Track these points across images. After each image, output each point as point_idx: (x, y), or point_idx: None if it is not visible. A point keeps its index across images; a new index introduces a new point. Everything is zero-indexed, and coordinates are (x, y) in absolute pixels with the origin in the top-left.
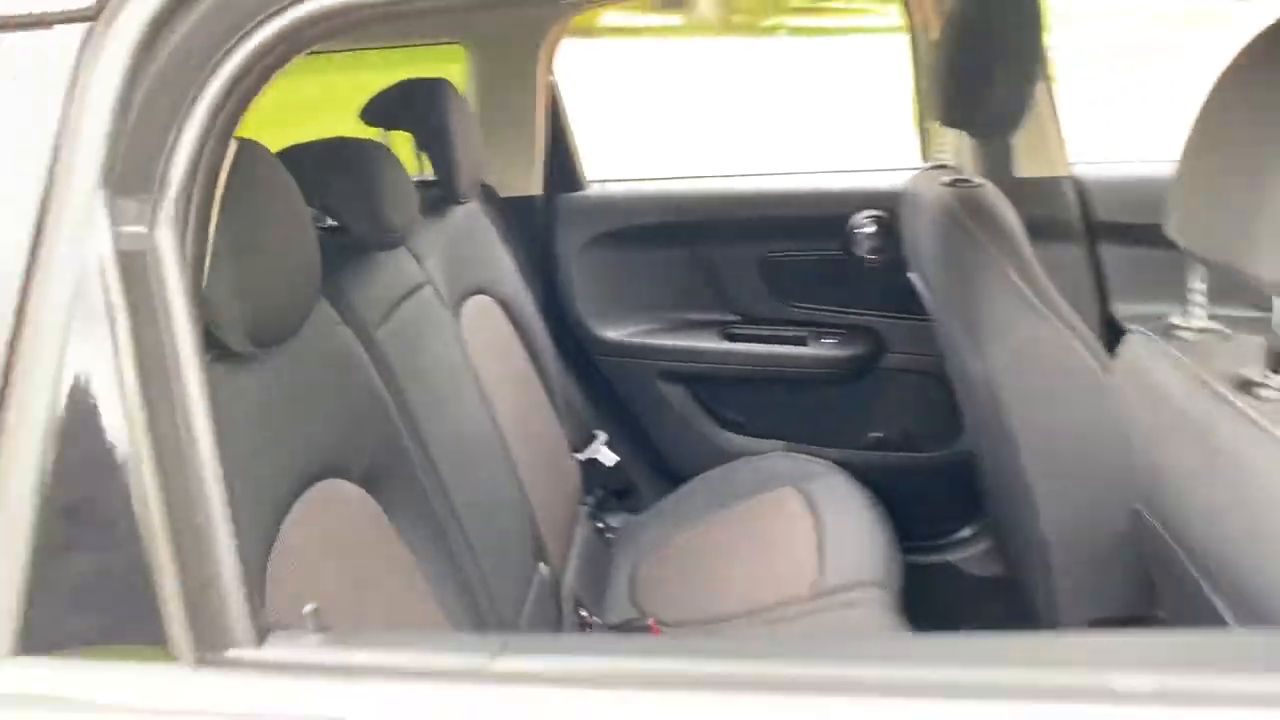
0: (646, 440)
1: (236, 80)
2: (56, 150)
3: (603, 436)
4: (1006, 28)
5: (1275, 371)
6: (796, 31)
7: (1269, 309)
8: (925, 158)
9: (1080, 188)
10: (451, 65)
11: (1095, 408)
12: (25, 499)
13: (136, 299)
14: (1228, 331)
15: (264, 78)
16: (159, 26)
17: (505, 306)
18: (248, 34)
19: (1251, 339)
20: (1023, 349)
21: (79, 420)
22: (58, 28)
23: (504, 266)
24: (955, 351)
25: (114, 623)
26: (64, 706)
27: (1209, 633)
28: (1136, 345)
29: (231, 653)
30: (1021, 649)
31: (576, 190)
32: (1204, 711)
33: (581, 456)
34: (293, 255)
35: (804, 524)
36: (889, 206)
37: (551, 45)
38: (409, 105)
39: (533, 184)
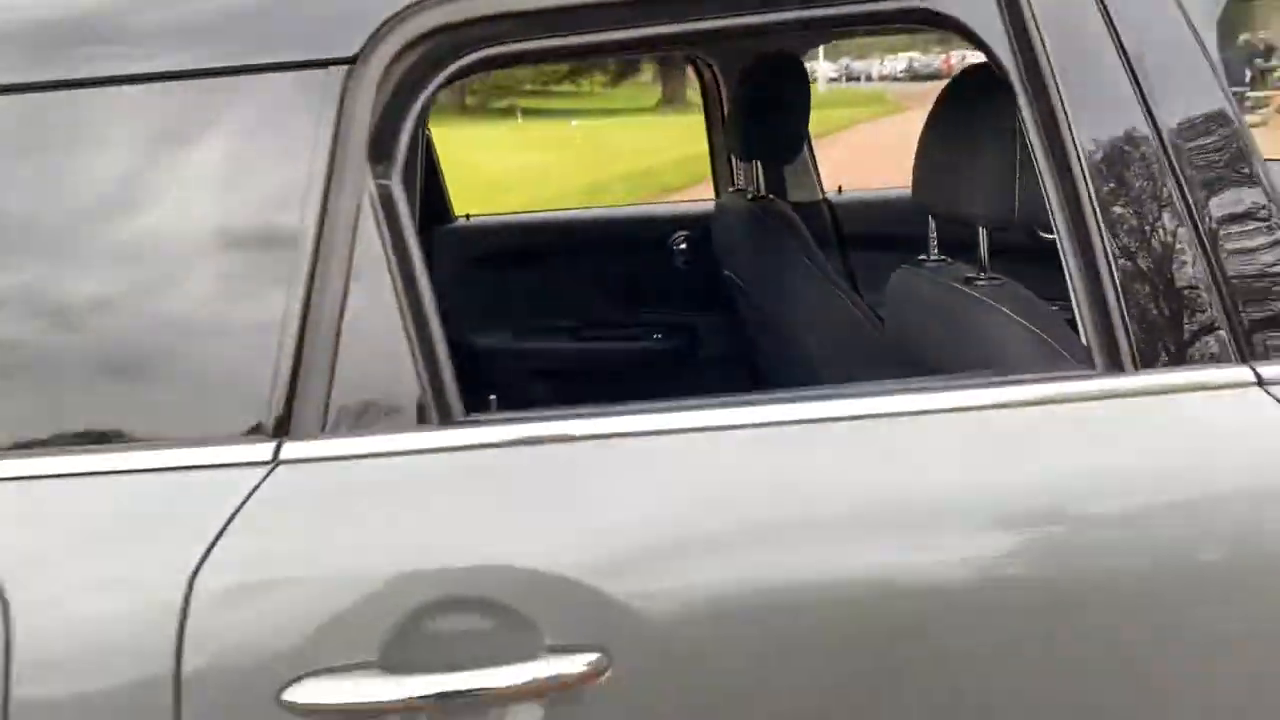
0: None
1: (432, 94)
2: (336, 138)
3: None
4: (784, 90)
5: (984, 272)
6: (529, 114)
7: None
8: (720, 187)
9: (831, 208)
10: None
11: (871, 340)
12: (326, 340)
13: (391, 222)
14: (951, 260)
15: (444, 87)
16: (391, 66)
17: None
18: (443, 67)
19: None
20: (817, 309)
21: (362, 288)
22: (332, 67)
23: None
24: (765, 320)
25: (421, 405)
26: (361, 460)
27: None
28: (901, 272)
29: (456, 418)
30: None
31: (448, 223)
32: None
33: None
34: None
35: None
36: (697, 226)
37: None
38: None
39: None
